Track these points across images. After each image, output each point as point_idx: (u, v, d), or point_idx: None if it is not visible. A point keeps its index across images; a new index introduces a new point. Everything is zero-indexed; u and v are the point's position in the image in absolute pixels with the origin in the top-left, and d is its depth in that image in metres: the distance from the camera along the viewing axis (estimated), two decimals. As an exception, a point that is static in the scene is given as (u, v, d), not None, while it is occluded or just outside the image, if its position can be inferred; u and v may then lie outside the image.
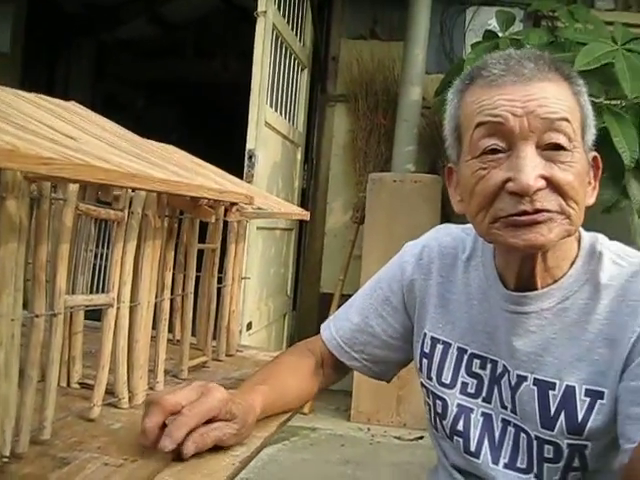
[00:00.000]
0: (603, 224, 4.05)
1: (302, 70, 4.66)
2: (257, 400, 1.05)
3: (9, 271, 0.79)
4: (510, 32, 3.69)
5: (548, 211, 0.96)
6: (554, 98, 0.97)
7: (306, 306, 4.93)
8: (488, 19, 4.42)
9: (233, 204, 1.32)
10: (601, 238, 1.11)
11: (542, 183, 0.96)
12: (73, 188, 0.93)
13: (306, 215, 1.76)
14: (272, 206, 1.56)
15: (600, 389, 1.01)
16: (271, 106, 3.88)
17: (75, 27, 6.47)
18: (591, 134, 1.03)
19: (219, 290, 1.51)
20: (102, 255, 1.76)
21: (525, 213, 0.96)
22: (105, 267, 1.90)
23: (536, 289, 1.07)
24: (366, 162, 4.65)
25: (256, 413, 1.03)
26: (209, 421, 0.93)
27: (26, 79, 5.13)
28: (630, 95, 3.07)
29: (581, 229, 1.10)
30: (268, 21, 3.54)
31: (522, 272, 1.07)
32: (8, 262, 0.79)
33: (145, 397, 0.97)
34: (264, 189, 3.75)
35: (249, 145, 3.52)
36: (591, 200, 1.04)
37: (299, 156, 4.76)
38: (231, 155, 4.27)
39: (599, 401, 1.01)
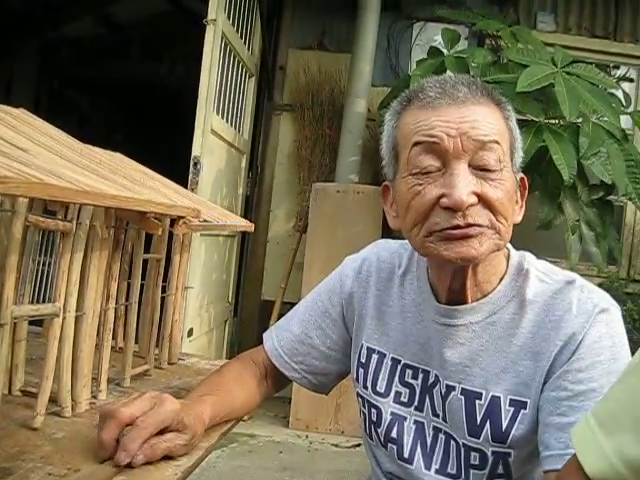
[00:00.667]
0: (541, 240, 4.18)
1: (249, 78, 4.68)
2: (205, 411, 1.07)
3: (-42, 282, 0.80)
4: (455, 50, 3.78)
5: (479, 225, 1.02)
6: (485, 121, 1.03)
7: (247, 313, 4.94)
8: (434, 35, 4.51)
9: (180, 217, 1.33)
10: (528, 256, 1.17)
11: (474, 199, 1.01)
12: (23, 200, 0.94)
13: (251, 227, 1.78)
14: (218, 218, 1.58)
15: (523, 399, 1.07)
16: (217, 113, 3.89)
17: (19, 24, 6.35)
18: (519, 156, 1.10)
19: (163, 299, 1.52)
20: (43, 263, 1.75)
21: (458, 227, 1.02)
22: (47, 274, 1.90)
23: (466, 303, 1.12)
24: (310, 171, 4.68)
25: (204, 423, 1.05)
26: (161, 431, 0.95)
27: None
28: (569, 117, 3.18)
29: (510, 247, 1.16)
30: (217, 29, 3.55)
31: (453, 286, 1.12)
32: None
33: (99, 408, 0.98)
34: (208, 196, 3.76)
35: (194, 152, 3.52)
36: (518, 218, 1.11)
37: (244, 164, 4.77)
38: (175, 157, 4.27)
39: (522, 411, 1.07)
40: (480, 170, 1.02)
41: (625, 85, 4.95)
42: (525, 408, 1.07)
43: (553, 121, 3.37)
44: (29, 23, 6.39)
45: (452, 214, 1.01)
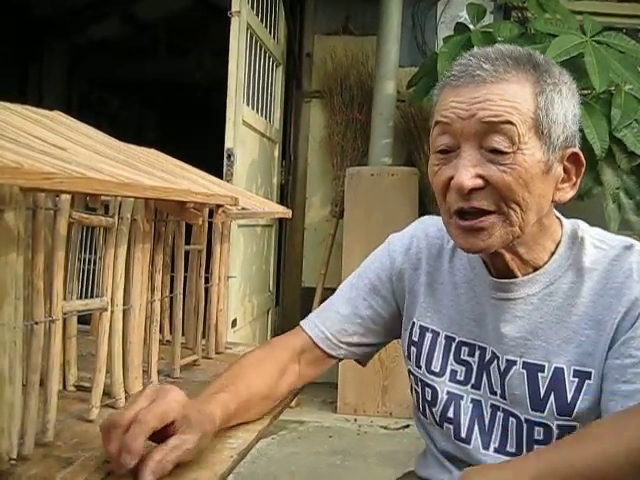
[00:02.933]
0: (577, 211, 4.12)
1: (277, 67, 4.69)
2: (216, 412, 1.01)
3: (9, 281, 0.82)
4: (481, 25, 3.74)
5: (484, 211, 1.01)
6: (502, 100, 1.00)
7: (289, 301, 4.97)
8: (459, 12, 4.46)
9: (219, 206, 1.35)
10: (582, 224, 1.15)
11: (479, 182, 1.01)
12: (66, 197, 0.96)
13: (288, 213, 1.80)
14: (256, 206, 1.60)
15: (588, 369, 1.06)
16: (248, 104, 3.91)
17: (46, 29, 6.43)
18: (562, 132, 1.04)
19: (206, 290, 1.54)
20: (86, 260, 1.79)
21: (461, 211, 1.03)
22: (90, 271, 1.93)
23: (516, 277, 1.11)
24: (343, 157, 4.68)
25: (215, 424, 0.99)
26: (166, 428, 0.90)
27: (-1, 84, 5.11)
28: (598, 89, 3.13)
29: (561, 216, 1.15)
30: (242, 21, 3.56)
31: (496, 266, 1.12)
32: (9, 272, 0.82)
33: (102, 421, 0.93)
34: (243, 187, 3.78)
35: (227, 144, 3.54)
36: (567, 196, 1.08)
37: (277, 153, 4.79)
38: (208, 152, 4.29)
39: (587, 381, 1.06)
40: (491, 153, 1.01)
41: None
42: (590, 378, 1.06)
43: (585, 92, 3.31)
44: (55, 27, 6.47)
45: (459, 196, 1.02)
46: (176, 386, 0.97)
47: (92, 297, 1.16)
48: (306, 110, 4.94)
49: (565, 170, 1.07)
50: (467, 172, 1.00)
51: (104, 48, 6.98)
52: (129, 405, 0.92)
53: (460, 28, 3.77)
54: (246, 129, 3.85)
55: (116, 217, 1.08)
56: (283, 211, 1.79)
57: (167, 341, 1.48)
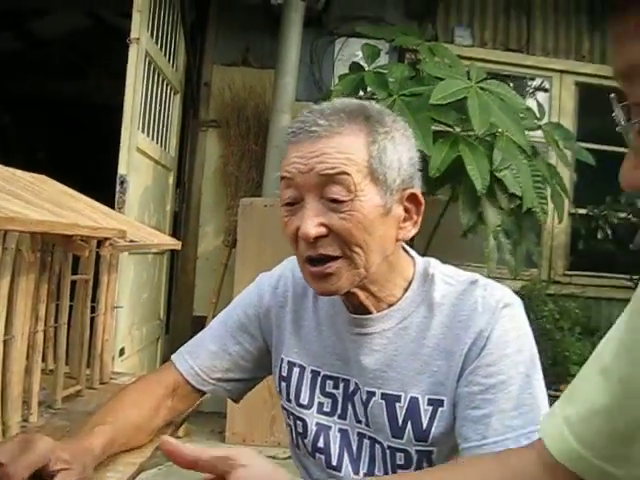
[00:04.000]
0: (465, 246, 4.30)
1: (175, 95, 4.68)
2: (95, 442, 1.04)
3: None
4: (376, 65, 3.87)
5: (330, 258, 1.09)
6: (337, 153, 1.07)
7: (179, 329, 4.92)
8: (356, 50, 4.60)
9: (106, 238, 1.36)
10: (433, 261, 1.23)
11: (323, 231, 1.08)
12: (-52, 228, 0.96)
13: (178, 245, 1.81)
14: (145, 237, 1.61)
15: (440, 398, 1.13)
16: (143, 131, 3.89)
17: None
18: (398, 176, 1.11)
19: (92, 319, 1.54)
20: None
21: (310, 258, 1.10)
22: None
23: (372, 313, 1.18)
24: (237, 187, 4.71)
25: (94, 454, 1.02)
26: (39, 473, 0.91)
27: None
28: (477, 131, 3.31)
29: (415, 254, 1.23)
30: (141, 48, 3.56)
31: (352, 303, 1.19)
32: None
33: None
34: (135, 214, 3.75)
35: (120, 170, 3.51)
36: (409, 234, 1.16)
37: (171, 180, 4.77)
38: (102, 175, 4.24)
39: (440, 408, 1.13)
40: (331, 202, 1.07)
41: (540, 96, 5.17)
42: (442, 406, 1.13)
43: (470, 132, 3.49)
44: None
45: (306, 245, 1.09)
46: (57, 419, 0.97)
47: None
48: (202, 139, 4.95)
49: (406, 210, 1.14)
50: (311, 222, 1.07)
51: (-3, 63, 6.78)
52: None
53: (355, 67, 3.89)
54: (140, 156, 3.83)
55: (0, 248, 1.08)
56: (172, 243, 1.80)
57: (51, 370, 1.47)
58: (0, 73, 6.78)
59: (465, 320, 1.13)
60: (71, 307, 1.47)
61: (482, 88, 3.45)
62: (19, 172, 1.49)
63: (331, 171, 1.06)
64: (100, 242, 1.47)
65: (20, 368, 1.16)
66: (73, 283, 1.43)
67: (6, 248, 1.09)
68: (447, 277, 1.19)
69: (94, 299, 1.55)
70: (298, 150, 1.09)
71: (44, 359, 1.41)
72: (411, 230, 1.16)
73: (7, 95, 7.22)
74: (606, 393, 0.78)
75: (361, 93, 3.72)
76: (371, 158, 1.08)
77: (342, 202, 1.07)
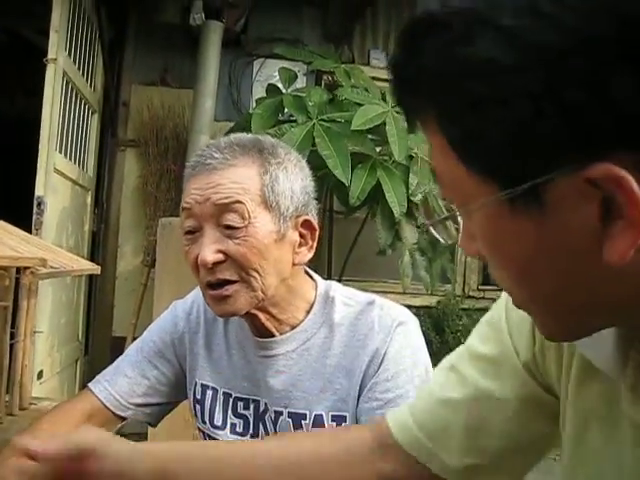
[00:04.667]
0: (382, 264, 4.37)
1: (92, 114, 4.65)
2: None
3: None
4: (294, 88, 3.95)
5: (228, 281, 1.15)
6: (231, 183, 1.15)
7: (98, 350, 4.86)
8: (274, 72, 4.64)
9: (27, 267, 1.37)
10: (334, 284, 1.31)
11: (220, 257, 1.15)
12: None
13: (97, 270, 1.83)
14: (65, 264, 1.62)
15: (343, 414, 1.20)
16: (60, 152, 3.85)
17: None
18: (291, 203, 1.18)
19: (11, 345, 1.55)
20: None
21: (210, 283, 1.16)
22: None
23: (275, 336, 1.25)
24: (156, 206, 4.69)
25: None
26: None
27: None
28: (398, 158, 3.42)
29: (317, 277, 1.31)
30: (58, 68, 3.52)
31: (256, 326, 1.25)
32: None
33: None
34: (53, 235, 3.71)
35: (38, 192, 3.46)
36: (305, 258, 1.23)
37: (89, 200, 4.72)
38: (16, 194, 4.16)
39: (343, 424, 1.20)
40: (227, 229, 1.15)
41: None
42: (345, 421, 1.20)
43: (386, 157, 3.60)
44: None
45: (205, 271, 1.15)
46: None
47: None
48: (121, 159, 4.92)
49: (301, 235, 1.22)
50: (208, 249, 1.14)
51: None
52: None
53: (272, 89, 3.96)
54: (58, 177, 3.79)
55: None
56: (92, 268, 1.82)
57: (-33, 399, 1.47)
58: None
59: (363, 339, 1.21)
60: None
61: (397, 112, 3.56)
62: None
63: (225, 200, 1.13)
64: (20, 269, 1.48)
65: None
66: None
67: None
68: (346, 298, 1.27)
69: (13, 325, 1.56)
70: (196, 182, 1.16)
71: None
72: (307, 254, 1.22)
73: None
74: (454, 388, 0.85)
75: (280, 116, 3.78)
76: (264, 187, 1.16)
77: (237, 229, 1.13)
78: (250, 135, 1.24)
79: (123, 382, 1.34)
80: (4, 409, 1.50)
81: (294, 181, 1.20)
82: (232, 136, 1.23)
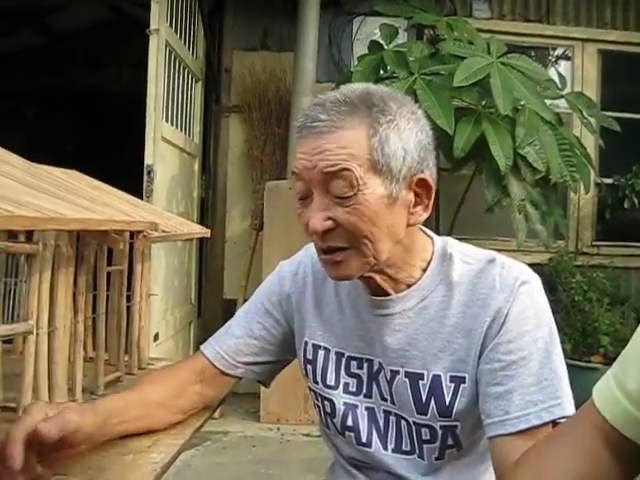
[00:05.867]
0: (491, 221, 4.30)
1: (196, 83, 4.73)
2: (97, 402, 1.13)
3: (-60, 310, 0.87)
4: (395, 43, 3.88)
5: (339, 248, 1.12)
6: (338, 148, 1.08)
7: (210, 313, 5.00)
8: (374, 29, 4.59)
9: (139, 231, 1.40)
10: (451, 241, 1.26)
11: (329, 224, 1.10)
12: (-8, 229, 1.01)
13: (207, 233, 1.86)
14: (175, 228, 1.66)
15: (462, 375, 1.17)
16: (167, 120, 3.94)
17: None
18: (404, 164, 1.11)
19: (128, 308, 1.59)
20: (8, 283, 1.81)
21: (322, 250, 1.14)
22: (11, 293, 1.95)
23: (391, 295, 1.21)
24: (262, 170, 4.75)
25: (98, 407, 1.09)
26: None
27: None
28: (503, 111, 3.30)
29: (432, 234, 1.26)
30: (161, 38, 3.60)
31: (371, 286, 1.22)
32: (-61, 302, 0.87)
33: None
34: (164, 202, 3.82)
35: (147, 161, 3.57)
36: (421, 218, 1.16)
37: (197, 167, 4.83)
38: (126, 164, 4.30)
39: (462, 385, 1.16)
40: (335, 197, 1.10)
41: (562, 65, 5.14)
42: (464, 382, 1.16)
43: (492, 110, 3.49)
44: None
45: (316, 237, 1.12)
46: None
47: (14, 319, 1.20)
48: (225, 125, 4.99)
49: (416, 194, 1.15)
50: (318, 217, 1.10)
51: (18, 59, 6.86)
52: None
53: (374, 47, 3.90)
54: (166, 145, 3.89)
55: (40, 244, 1.13)
56: (201, 231, 1.85)
57: (90, 358, 1.53)
58: (22, 69, 6.88)
59: (484, 298, 1.16)
60: (107, 297, 1.53)
61: (503, 63, 3.44)
62: (51, 169, 1.54)
63: (332, 168, 1.08)
64: (133, 234, 1.52)
65: (64, 358, 1.22)
66: (108, 274, 1.48)
67: (45, 244, 1.14)
68: (465, 256, 1.22)
69: (129, 288, 1.60)
70: (303, 146, 1.11)
71: (85, 348, 1.47)
72: (422, 215, 1.16)
73: (30, 90, 7.32)
74: None
75: (381, 73, 3.73)
76: (373, 150, 1.09)
77: (346, 197, 1.09)
78: (360, 87, 1.16)
79: (231, 342, 1.36)
80: (124, 369, 1.55)
81: (407, 139, 1.12)
82: (340, 91, 1.15)
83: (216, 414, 4.20)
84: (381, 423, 1.26)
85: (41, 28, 6.55)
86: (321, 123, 1.09)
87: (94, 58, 7.31)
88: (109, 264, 1.47)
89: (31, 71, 7.08)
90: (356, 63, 3.99)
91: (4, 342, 1.28)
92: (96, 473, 1.00)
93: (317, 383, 1.31)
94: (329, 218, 1.10)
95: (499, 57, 3.49)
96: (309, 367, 1.33)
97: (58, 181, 1.41)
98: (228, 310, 4.59)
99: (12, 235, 1.40)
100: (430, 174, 1.16)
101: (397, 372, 1.21)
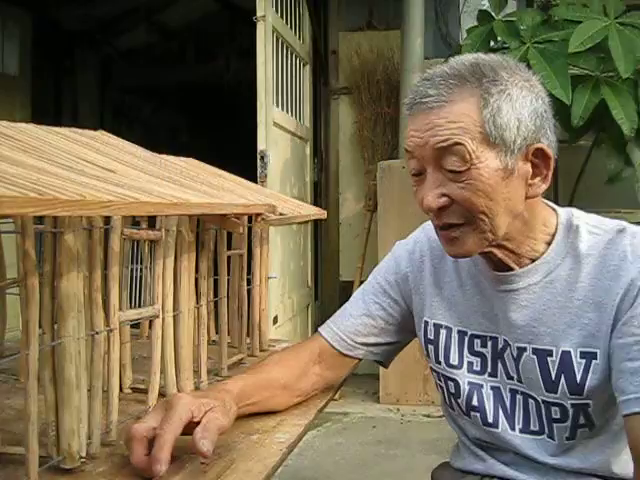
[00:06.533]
0: (612, 192, 4.13)
1: (304, 66, 4.76)
2: (229, 383, 1.16)
3: (72, 297, 0.90)
4: (504, 13, 3.75)
5: (455, 224, 1.09)
6: (448, 123, 1.05)
7: (327, 295, 5.05)
8: (481, 0, 4.48)
9: (258, 214, 1.42)
10: (576, 212, 1.20)
11: (444, 201, 1.08)
12: (118, 217, 1.04)
13: (323, 214, 1.86)
14: (292, 210, 1.67)
15: (593, 350, 1.11)
16: (277, 105, 3.98)
17: (77, 43, 6.58)
18: (518, 134, 1.07)
19: (248, 291, 1.62)
20: (132, 270, 1.88)
21: (438, 227, 1.11)
22: (136, 280, 2.02)
23: (514, 270, 1.17)
24: (374, 151, 4.74)
25: (232, 394, 1.11)
26: (188, 426, 0.98)
27: (35, 99, 5.24)
28: (623, 74, 3.13)
29: (556, 207, 1.20)
30: (268, 25, 3.64)
31: (493, 261, 1.18)
32: (71, 289, 0.90)
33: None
34: (278, 187, 3.86)
35: (260, 146, 3.62)
36: (539, 190, 1.11)
37: (308, 151, 4.87)
38: (239, 152, 4.38)
39: (593, 361, 1.11)
40: (449, 172, 1.07)
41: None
42: (596, 358, 1.11)
43: (611, 74, 3.32)
44: (85, 40, 6.61)
45: (432, 214, 1.10)
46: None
47: (140, 304, 1.24)
48: (335, 107, 5.01)
49: (534, 165, 1.10)
50: (432, 194, 1.07)
51: (133, 57, 7.12)
52: (143, 419, 1.00)
53: (483, 17, 3.79)
54: (277, 130, 3.93)
55: (163, 230, 1.16)
56: (318, 212, 1.86)
57: (213, 341, 1.56)
58: (138, 65, 7.13)
59: (614, 270, 1.10)
60: (228, 281, 1.56)
61: (622, 24, 3.26)
62: (171, 157, 1.58)
63: (444, 143, 1.05)
64: (251, 218, 1.54)
65: (189, 341, 1.25)
66: (228, 258, 1.51)
67: (168, 230, 1.17)
68: (592, 227, 1.16)
69: (249, 272, 1.63)
70: (413, 123, 1.09)
71: (208, 331, 1.50)
72: (541, 186, 1.12)
73: (146, 86, 7.59)
74: None
75: (492, 44, 3.62)
76: (484, 122, 1.05)
77: (459, 172, 1.06)
78: (469, 58, 1.12)
79: (348, 323, 1.36)
80: (246, 351, 1.58)
81: (521, 108, 1.08)
82: (448, 65, 1.11)
83: (336, 395, 4.25)
84: (507, 402, 1.22)
85: (154, 25, 6.76)
86: (430, 98, 1.07)
87: (203, 50, 7.49)
88: (229, 249, 1.49)
89: (146, 67, 7.33)
90: (465, 36, 3.88)
91: (131, 327, 1.32)
92: (223, 452, 1.02)
93: (439, 363, 1.29)
94: (443, 195, 1.08)
95: (617, 18, 3.31)
96: (430, 347, 1.31)
97: (178, 169, 1.45)
98: (344, 292, 4.63)
99: (135, 223, 1.45)
100: (548, 143, 1.11)
101: (524, 349, 1.17)
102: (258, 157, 3.61)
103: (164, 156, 1.55)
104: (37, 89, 5.34)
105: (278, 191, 3.69)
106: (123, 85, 7.56)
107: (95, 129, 1.42)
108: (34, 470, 0.85)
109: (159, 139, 7.51)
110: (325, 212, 1.90)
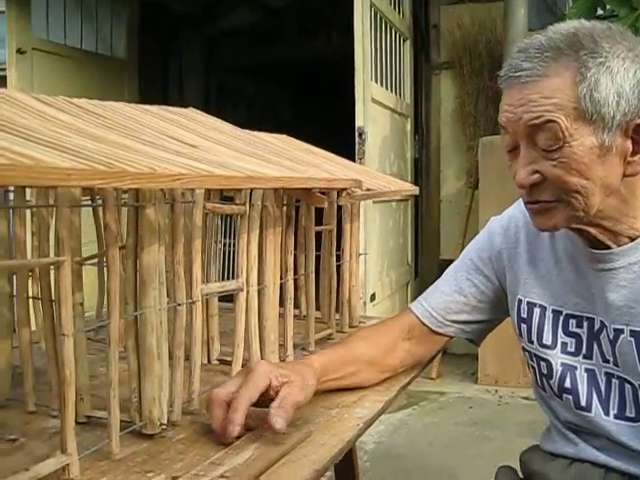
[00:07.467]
0: None
1: (404, 42, 4.69)
2: (313, 358, 1.16)
3: (153, 268, 0.93)
4: (615, -21, 3.58)
5: (545, 201, 1.05)
6: (542, 99, 1.01)
7: (427, 273, 5.00)
8: (590, -33, 4.29)
9: (343, 189, 1.42)
10: None
11: (536, 177, 1.04)
12: (200, 191, 1.06)
13: (415, 190, 1.84)
14: (381, 186, 1.65)
15: None
16: (376, 81, 3.95)
17: (182, 24, 6.73)
18: (617, 110, 1.01)
19: (339, 267, 1.62)
20: (228, 244, 1.92)
21: (528, 203, 1.08)
22: (233, 254, 2.06)
23: (611, 248, 1.12)
24: (476, 126, 4.65)
25: (314, 367, 1.12)
26: (267, 393, 1.00)
27: (143, 81, 5.39)
28: None
29: None
30: (365, 0, 3.60)
31: (588, 239, 1.13)
32: (152, 261, 0.93)
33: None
34: (376, 164, 3.84)
35: (358, 123, 3.60)
36: (639, 168, 1.05)
37: (409, 127, 4.81)
38: (339, 127, 4.37)
39: None
40: (542, 150, 1.03)
41: None
42: None
43: None
44: (190, 22, 6.76)
45: (523, 191, 1.07)
46: None
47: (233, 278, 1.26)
48: (436, 82, 4.93)
49: (635, 142, 1.04)
50: (524, 170, 1.04)
51: (237, 36, 7.22)
52: (225, 384, 1.02)
53: (591, -16, 3.63)
54: (376, 106, 3.90)
55: (247, 205, 1.17)
56: (410, 188, 1.84)
57: (304, 316, 1.57)
58: (242, 45, 7.23)
59: None
60: (319, 257, 1.56)
61: None
62: (261, 134, 1.60)
63: (537, 121, 1.01)
64: (339, 193, 1.54)
65: (274, 314, 1.26)
66: (318, 234, 1.51)
67: (252, 204, 1.18)
68: None
69: (339, 248, 1.63)
70: (507, 97, 1.06)
71: (298, 306, 1.52)
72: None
73: (249, 65, 7.69)
74: None
75: (599, 12, 3.47)
76: (580, 98, 1.00)
77: (552, 150, 1.02)
78: (569, 27, 1.05)
79: (440, 299, 1.34)
80: (335, 327, 1.58)
81: (622, 81, 1.02)
82: (546, 33, 1.06)
83: (433, 374, 4.25)
84: (602, 386, 1.17)
85: (256, 4, 6.83)
86: (524, 72, 1.03)
87: (304, 27, 7.51)
88: (318, 225, 1.50)
89: (250, 46, 7.42)
90: (571, 4, 3.73)
91: (227, 301, 1.35)
92: (302, 424, 1.03)
93: (532, 343, 1.25)
94: (536, 171, 1.04)
95: None
96: (523, 326, 1.27)
97: (266, 145, 1.46)
98: (444, 270, 4.57)
99: (228, 198, 1.47)
100: None
101: (621, 331, 1.12)
102: (356, 134, 3.60)
103: (254, 132, 1.57)
104: (144, 71, 5.49)
105: (377, 168, 3.67)
106: (227, 64, 7.68)
107: (201, 109, 1.46)
108: (116, 433, 0.89)
109: (263, 116, 7.62)
110: (417, 188, 1.87)
